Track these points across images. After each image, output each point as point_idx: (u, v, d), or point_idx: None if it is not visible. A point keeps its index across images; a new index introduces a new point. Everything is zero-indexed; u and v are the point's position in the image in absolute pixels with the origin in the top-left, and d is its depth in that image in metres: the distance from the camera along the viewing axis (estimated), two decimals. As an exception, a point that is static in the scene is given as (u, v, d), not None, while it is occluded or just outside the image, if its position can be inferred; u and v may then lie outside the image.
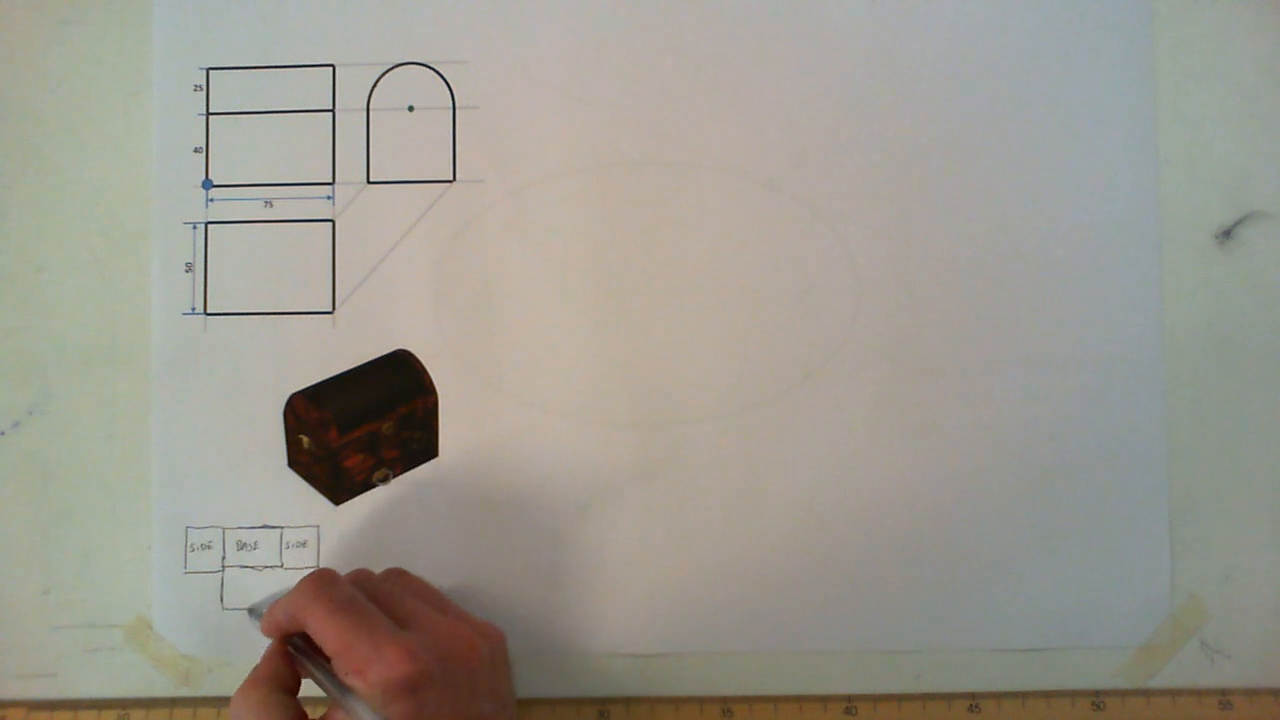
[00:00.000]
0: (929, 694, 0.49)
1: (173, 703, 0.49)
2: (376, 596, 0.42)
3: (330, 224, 0.50)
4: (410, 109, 0.51)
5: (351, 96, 0.51)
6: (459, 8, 0.51)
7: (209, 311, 0.50)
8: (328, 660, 0.40)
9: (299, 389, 0.48)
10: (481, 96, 0.50)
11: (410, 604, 0.43)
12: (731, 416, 0.49)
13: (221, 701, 0.49)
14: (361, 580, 0.44)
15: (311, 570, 0.43)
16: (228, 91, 0.51)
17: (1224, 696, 0.49)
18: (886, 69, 0.50)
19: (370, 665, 0.38)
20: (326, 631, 0.40)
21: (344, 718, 0.39)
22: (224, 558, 0.50)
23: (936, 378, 0.49)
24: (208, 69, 0.51)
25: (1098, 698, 0.49)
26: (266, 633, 0.42)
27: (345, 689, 0.39)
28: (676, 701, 0.49)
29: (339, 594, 0.41)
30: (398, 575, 0.46)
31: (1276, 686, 0.49)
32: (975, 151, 0.50)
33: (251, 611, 0.46)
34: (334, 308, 0.50)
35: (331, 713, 0.40)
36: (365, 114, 0.51)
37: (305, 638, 0.41)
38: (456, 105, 0.50)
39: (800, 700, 0.49)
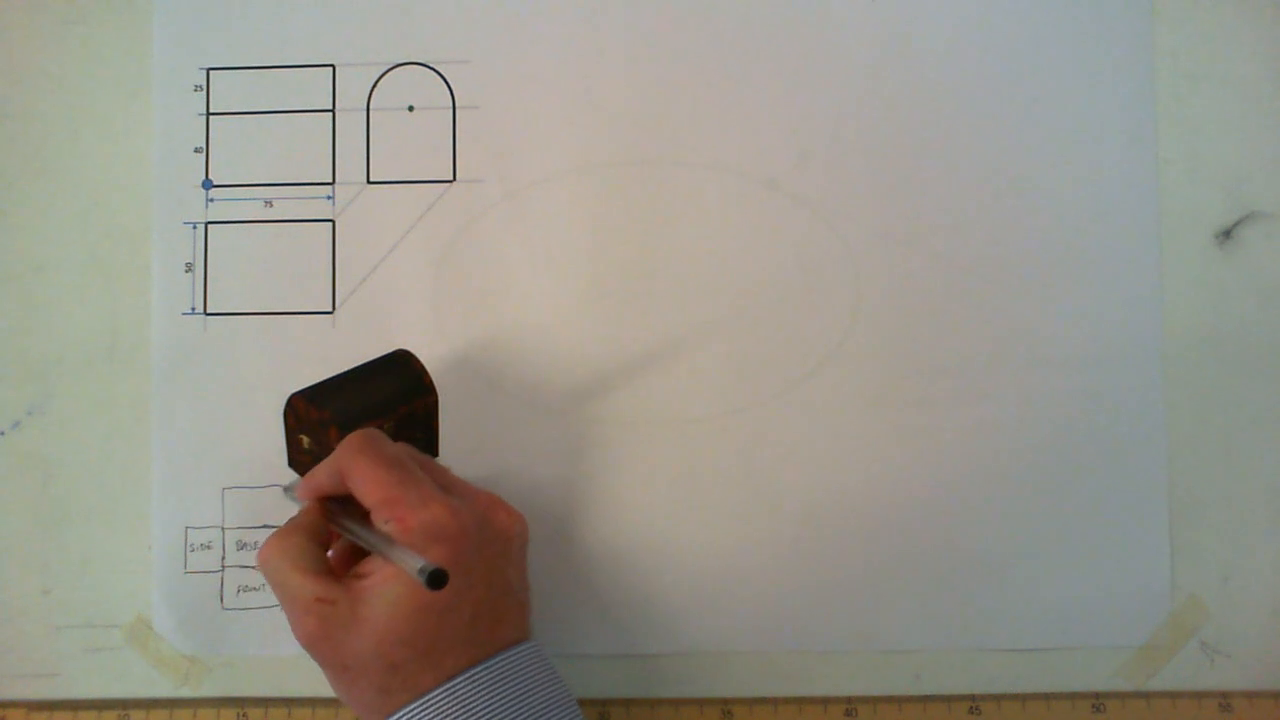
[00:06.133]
0: (929, 695, 0.49)
1: (173, 703, 0.49)
2: (419, 462, 0.43)
3: (330, 224, 0.50)
4: (410, 109, 0.51)
5: (351, 96, 0.51)
6: (459, 8, 0.51)
7: (209, 311, 0.50)
8: (366, 520, 0.40)
9: (299, 389, 0.48)
10: (481, 96, 0.50)
11: (451, 476, 0.44)
12: (732, 415, 0.49)
13: (221, 701, 0.49)
14: (405, 449, 0.44)
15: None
16: (228, 91, 0.51)
17: (1224, 699, 0.49)
18: (886, 69, 0.50)
19: (412, 514, 0.39)
20: (370, 483, 0.40)
21: (378, 565, 0.39)
22: (224, 558, 0.50)
23: (936, 377, 0.49)
24: (208, 69, 0.51)
25: (1098, 700, 0.49)
26: (303, 497, 0.43)
27: (384, 536, 0.39)
28: (676, 703, 0.49)
29: (386, 450, 0.41)
30: None
31: (1277, 689, 0.49)
32: (975, 151, 0.50)
33: (287, 490, 0.45)
34: (334, 308, 0.50)
35: (362, 567, 0.40)
36: (365, 114, 0.51)
37: (341, 503, 0.42)
38: (456, 105, 0.50)
39: (800, 702, 0.49)
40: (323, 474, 0.42)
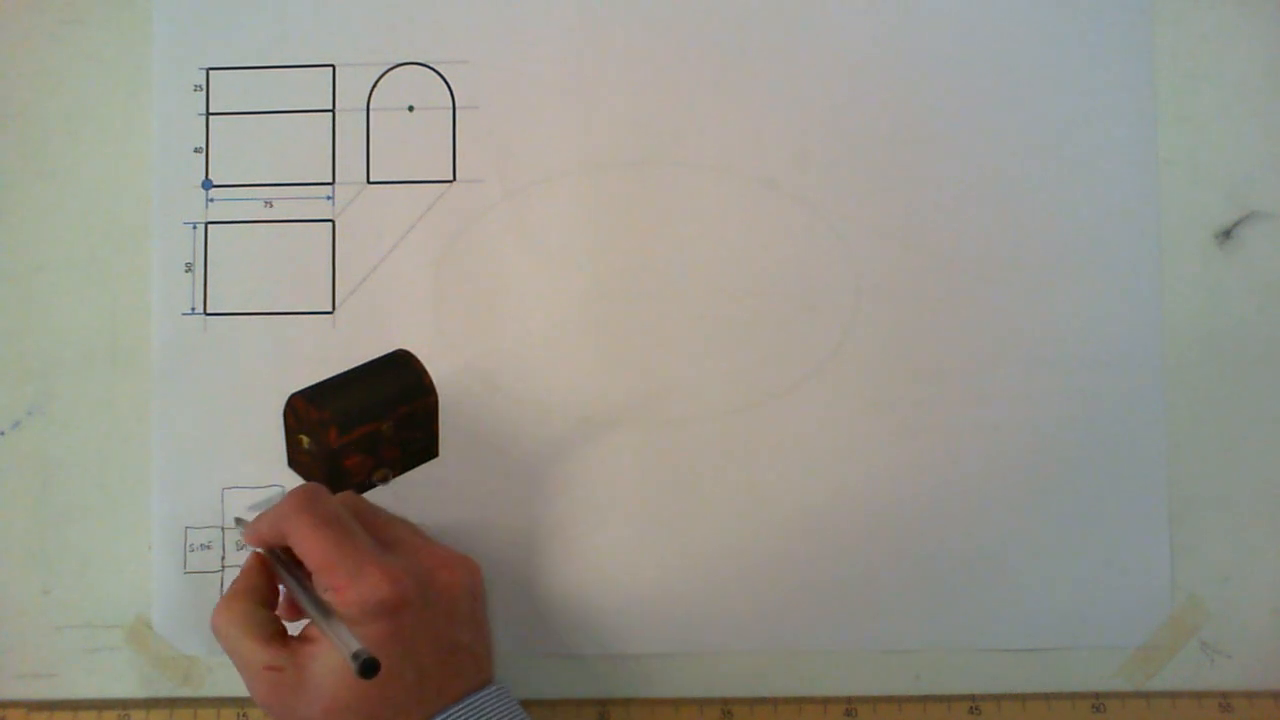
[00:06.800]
0: (929, 695, 0.49)
1: (173, 703, 0.49)
2: (363, 516, 0.42)
3: (330, 224, 0.50)
4: (410, 109, 0.51)
5: (351, 96, 0.51)
6: (459, 8, 0.51)
7: (209, 311, 0.50)
8: (308, 575, 0.40)
9: (299, 389, 0.48)
10: (481, 96, 0.50)
11: (397, 527, 0.43)
12: (731, 416, 0.49)
13: (221, 701, 0.49)
14: (350, 501, 0.43)
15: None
16: (228, 91, 0.51)
17: (1224, 699, 0.49)
18: (886, 69, 0.50)
19: (350, 584, 0.38)
20: (308, 546, 0.39)
21: (321, 634, 0.39)
22: (224, 558, 0.50)
23: (936, 378, 0.49)
24: (208, 69, 0.51)
25: (1098, 700, 0.49)
26: (248, 541, 0.42)
27: (323, 606, 0.39)
28: (676, 703, 0.49)
29: (325, 509, 0.40)
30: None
31: (1277, 689, 0.49)
32: (975, 151, 0.50)
33: (239, 521, 0.45)
34: (334, 308, 0.50)
35: (309, 629, 0.40)
36: (365, 114, 0.51)
37: (288, 551, 0.41)
38: (456, 105, 0.50)
39: (800, 702, 0.49)
40: (265, 524, 0.41)
